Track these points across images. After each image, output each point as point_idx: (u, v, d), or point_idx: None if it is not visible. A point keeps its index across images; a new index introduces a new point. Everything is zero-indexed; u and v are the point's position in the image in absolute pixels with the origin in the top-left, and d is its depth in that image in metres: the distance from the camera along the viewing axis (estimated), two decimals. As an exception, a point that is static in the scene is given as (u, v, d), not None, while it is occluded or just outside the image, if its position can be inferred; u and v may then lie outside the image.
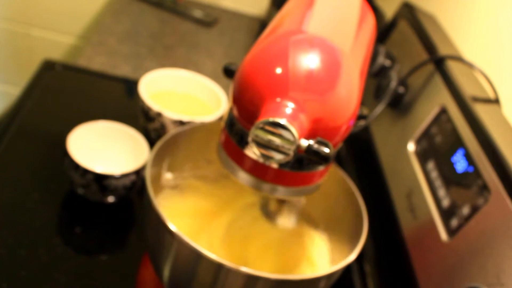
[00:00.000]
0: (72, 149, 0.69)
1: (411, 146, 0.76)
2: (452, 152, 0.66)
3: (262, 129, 0.39)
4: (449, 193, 0.63)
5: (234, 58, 1.22)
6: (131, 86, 0.97)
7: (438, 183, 0.66)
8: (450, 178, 0.64)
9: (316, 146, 0.40)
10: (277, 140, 0.39)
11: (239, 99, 0.44)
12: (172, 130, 0.72)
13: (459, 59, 0.77)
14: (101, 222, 0.72)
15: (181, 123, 0.77)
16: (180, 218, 0.59)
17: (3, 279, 0.60)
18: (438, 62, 0.77)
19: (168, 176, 0.63)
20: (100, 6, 1.40)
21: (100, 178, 0.67)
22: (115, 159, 0.75)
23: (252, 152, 0.44)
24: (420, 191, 0.69)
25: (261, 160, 0.44)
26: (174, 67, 1.04)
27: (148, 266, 0.63)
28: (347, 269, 0.67)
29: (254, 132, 0.40)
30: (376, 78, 0.89)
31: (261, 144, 0.40)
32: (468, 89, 0.70)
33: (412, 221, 0.69)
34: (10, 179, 0.73)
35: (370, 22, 0.57)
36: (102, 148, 0.75)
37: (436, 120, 0.72)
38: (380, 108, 0.83)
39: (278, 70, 0.42)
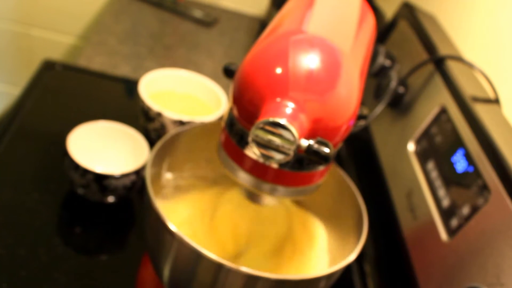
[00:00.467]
0: (72, 149, 0.69)
1: (411, 146, 0.76)
2: (452, 152, 0.66)
3: (262, 129, 0.39)
4: (449, 193, 0.63)
5: (234, 58, 1.22)
6: (131, 86, 0.97)
7: (438, 183, 0.66)
8: (450, 178, 0.64)
9: (316, 146, 0.40)
10: (277, 140, 0.39)
11: (239, 99, 0.44)
12: (172, 130, 0.72)
13: (459, 59, 0.77)
14: (101, 222, 0.72)
15: (181, 123, 0.77)
16: (180, 218, 0.59)
17: (3, 279, 0.60)
18: (438, 62, 0.77)
19: (168, 176, 0.63)
20: (100, 6, 1.40)
21: (100, 178, 0.67)
22: (115, 159, 0.75)
23: (252, 152, 0.44)
24: (420, 191, 0.69)
25: (261, 160, 0.44)
26: (174, 67, 1.04)
27: (148, 266, 0.63)
28: (347, 269, 0.67)
29: (254, 132, 0.40)
30: (376, 78, 0.89)
31: (261, 144, 0.40)
32: (468, 89, 0.70)
33: (412, 221, 0.69)
34: (10, 179, 0.73)
35: (370, 22, 0.57)
36: (102, 148, 0.75)
37: (436, 120, 0.72)
38: (380, 108, 0.83)
39: (278, 70, 0.42)
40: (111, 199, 0.71)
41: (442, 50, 0.79)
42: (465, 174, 0.62)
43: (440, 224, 0.63)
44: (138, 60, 1.10)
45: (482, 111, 0.65)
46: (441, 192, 0.65)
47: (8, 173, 0.74)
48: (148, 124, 0.79)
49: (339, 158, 0.96)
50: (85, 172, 0.67)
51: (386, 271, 0.76)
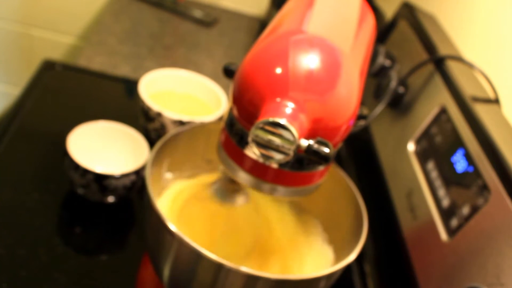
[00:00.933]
0: (72, 149, 0.69)
1: (411, 146, 0.76)
2: (452, 152, 0.66)
3: (262, 129, 0.39)
4: (449, 193, 0.63)
5: (234, 58, 1.22)
6: (131, 86, 0.97)
7: (438, 183, 0.66)
8: (450, 178, 0.64)
9: (316, 146, 0.40)
10: (277, 140, 0.39)
11: (239, 99, 0.44)
12: (172, 130, 0.72)
13: (459, 59, 0.77)
14: (101, 222, 0.72)
15: (181, 123, 0.77)
16: (180, 218, 0.59)
17: (3, 279, 0.60)
18: (438, 62, 0.77)
19: (168, 176, 0.63)
20: (100, 6, 1.40)
21: (100, 178, 0.67)
22: (115, 159, 0.75)
23: (252, 152, 0.44)
24: (420, 191, 0.69)
25: (261, 160, 0.44)
26: (174, 67, 1.04)
27: (148, 266, 0.63)
28: (347, 269, 0.67)
29: (254, 132, 0.40)
30: (376, 78, 0.89)
31: (261, 144, 0.40)
32: (468, 89, 0.70)
33: (412, 221, 0.69)
34: (10, 179, 0.73)
35: (370, 22, 0.57)
36: (102, 148, 0.75)
37: (436, 120, 0.72)
38: (380, 108, 0.83)
39: (278, 70, 0.42)
40: (111, 199, 0.71)
41: (442, 50, 0.79)
42: (465, 174, 0.62)
43: (440, 224, 0.63)
44: (138, 60, 1.10)
45: (482, 111, 0.65)
46: (441, 192, 0.65)
47: (8, 173, 0.74)
48: (148, 124, 0.79)
49: (339, 158, 0.96)
50: (85, 172, 0.67)
51: (386, 271, 0.76)
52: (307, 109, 0.41)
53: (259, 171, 0.45)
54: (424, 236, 0.65)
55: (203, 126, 0.63)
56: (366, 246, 0.77)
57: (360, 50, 0.51)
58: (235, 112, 0.45)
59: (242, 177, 0.46)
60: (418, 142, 0.75)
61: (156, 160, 0.57)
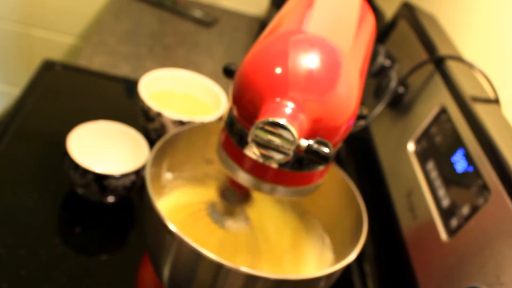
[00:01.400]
0: (72, 149, 0.69)
1: (411, 146, 0.76)
2: (452, 152, 0.66)
3: (262, 129, 0.39)
4: (449, 193, 0.63)
5: (234, 58, 1.22)
6: (131, 86, 0.97)
7: (438, 183, 0.66)
8: (450, 178, 0.64)
9: (315, 146, 0.40)
10: (277, 140, 0.39)
11: (239, 99, 0.44)
12: (172, 130, 0.72)
13: (459, 59, 0.77)
14: (101, 222, 0.72)
15: (181, 123, 0.77)
16: (180, 218, 0.59)
17: (3, 279, 0.60)
18: (438, 62, 0.77)
19: (168, 176, 0.63)
20: (100, 6, 1.40)
21: (100, 178, 0.67)
22: (115, 159, 0.75)
23: (252, 152, 0.44)
24: (420, 191, 0.69)
25: (261, 160, 0.44)
26: (174, 67, 1.04)
27: (148, 266, 0.63)
28: (347, 269, 0.67)
29: (254, 132, 0.40)
30: (376, 78, 0.89)
31: (261, 144, 0.40)
32: (468, 89, 0.70)
33: (412, 221, 0.69)
34: (10, 179, 0.73)
35: (370, 22, 0.57)
36: (102, 148, 0.75)
37: (436, 120, 0.72)
38: (380, 108, 0.83)
39: (278, 70, 0.42)
40: (111, 199, 0.71)
41: (442, 50, 0.79)
42: (465, 174, 0.62)
43: (440, 224, 0.63)
44: (138, 60, 1.10)
45: (482, 111, 0.65)
46: (441, 192, 0.65)
47: (8, 173, 0.74)
48: (148, 124, 0.79)
49: (339, 158, 0.96)
50: (85, 172, 0.67)
51: (386, 271, 0.76)
52: (307, 109, 0.41)
53: (259, 171, 0.45)
54: (424, 236, 0.65)
55: (203, 126, 0.63)
56: (366, 246, 0.77)
57: (360, 50, 0.51)
58: (235, 112, 0.45)
59: (242, 177, 0.46)
60: (418, 142, 0.75)
61: (156, 160, 0.57)
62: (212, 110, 0.85)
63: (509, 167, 0.55)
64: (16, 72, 1.51)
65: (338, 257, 0.60)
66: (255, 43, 0.47)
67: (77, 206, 0.72)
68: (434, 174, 0.68)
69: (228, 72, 0.50)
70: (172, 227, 0.47)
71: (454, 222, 0.60)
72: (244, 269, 0.46)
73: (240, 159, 0.46)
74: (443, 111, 0.71)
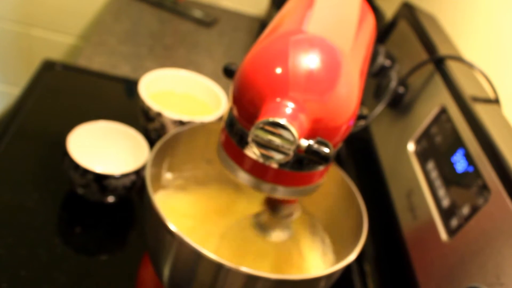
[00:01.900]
0: (72, 149, 0.69)
1: (411, 146, 0.76)
2: (452, 152, 0.66)
3: (262, 129, 0.39)
4: (449, 193, 0.63)
5: (234, 58, 1.22)
6: (131, 86, 0.97)
7: (438, 183, 0.66)
8: (450, 178, 0.64)
9: (316, 146, 0.40)
10: (277, 140, 0.39)
11: (239, 99, 0.44)
12: (172, 130, 0.72)
13: (459, 59, 0.77)
14: (101, 222, 0.72)
15: (181, 123, 0.77)
16: (180, 218, 0.59)
17: (3, 279, 0.60)
18: (438, 62, 0.77)
19: (168, 176, 0.63)
20: (100, 6, 1.40)
21: (100, 178, 0.67)
22: (115, 159, 0.75)
23: (252, 152, 0.44)
24: (420, 191, 0.69)
25: (261, 160, 0.44)
26: (174, 67, 1.04)
27: (148, 266, 0.64)
28: (347, 269, 0.67)
29: (254, 132, 0.40)
30: (376, 78, 0.89)
31: (261, 144, 0.40)
32: (468, 89, 0.70)
33: (412, 221, 0.69)
34: (10, 179, 0.73)
35: (370, 22, 0.57)
36: (102, 148, 0.75)
37: (436, 120, 0.72)
38: (380, 108, 0.83)
39: (278, 70, 0.42)
40: (111, 199, 0.71)
41: (442, 50, 0.79)
42: (465, 174, 0.62)
43: (440, 224, 0.63)
44: (138, 60, 1.10)
45: (482, 111, 0.65)
46: (441, 192, 0.65)
47: (8, 173, 0.74)
48: (148, 124, 0.79)
49: (339, 158, 0.96)
50: (85, 172, 0.67)
51: (386, 271, 0.76)
52: (307, 109, 0.41)
53: (259, 171, 0.45)
54: (424, 236, 0.65)
55: (203, 126, 0.63)
56: (366, 246, 0.77)
57: (360, 50, 0.51)
58: (235, 112, 0.45)
59: (242, 177, 0.46)
60: (418, 142, 0.75)
61: (156, 160, 0.57)
62: (212, 110, 0.85)
63: (509, 167, 0.55)
64: (16, 72, 1.51)
65: (338, 257, 0.60)
66: (255, 43, 0.47)
67: (77, 206, 0.72)
68: (434, 174, 0.68)
69: (228, 72, 0.50)
70: (172, 227, 0.47)
71: (454, 222, 0.60)
72: (244, 269, 0.46)
73: (240, 159, 0.46)
74: (443, 111, 0.71)
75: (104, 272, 0.66)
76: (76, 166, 0.67)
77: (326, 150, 0.40)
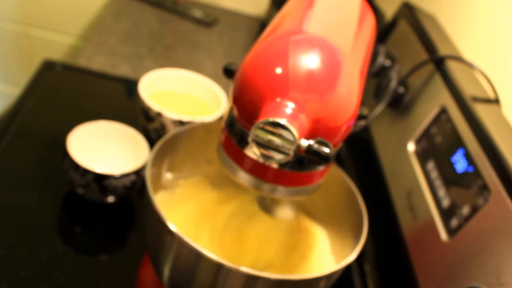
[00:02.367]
0: (72, 149, 0.69)
1: (411, 146, 0.76)
2: (452, 152, 0.66)
3: (262, 129, 0.39)
4: (449, 193, 0.63)
5: (234, 58, 1.22)
6: (131, 86, 0.97)
7: (438, 183, 0.66)
8: (450, 178, 0.64)
9: (316, 146, 0.40)
10: (277, 140, 0.39)
11: (239, 99, 0.44)
12: (172, 130, 0.72)
13: (459, 59, 0.77)
14: (101, 222, 0.72)
15: (181, 123, 0.77)
16: (180, 218, 0.59)
17: (3, 279, 0.60)
18: (438, 62, 0.77)
19: (168, 176, 0.63)
20: (100, 6, 1.40)
21: (100, 178, 0.67)
22: (115, 159, 0.75)
23: (252, 152, 0.44)
24: (420, 191, 0.69)
25: (261, 160, 0.44)
26: (174, 67, 1.04)
27: (148, 266, 0.63)
28: (347, 269, 0.67)
29: (254, 132, 0.40)
30: (376, 78, 0.89)
31: (261, 144, 0.40)
32: (468, 89, 0.70)
33: (412, 221, 0.69)
34: (10, 179, 0.73)
35: (370, 22, 0.57)
36: (102, 148, 0.75)
37: (436, 120, 0.72)
38: (380, 108, 0.83)
39: (278, 70, 0.42)
40: (111, 199, 0.71)
41: (442, 50, 0.79)
42: (465, 174, 0.62)
43: (440, 224, 0.63)
44: (138, 60, 1.10)
45: (482, 111, 0.65)
46: (441, 192, 0.65)
47: (8, 173, 0.74)
48: (148, 124, 0.79)
49: (339, 158, 0.96)
50: (85, 172, 0.67)
51: (386, 271, 0.76)
52: (307, 109, 0.41)
53: (259, 171, 0.45)
54: (424, 236, 0.65)
55: (203, 126, 0.63)
56: (366, 246, 0.77)
57: (360, 50, 0.51)
58: (235, 112, 0.45)
59: (242, 177, 0.46)
60: (418, 142, 0.75)
61: (156, 160, 0.57)
62: (212, 110, 0.85)
63: (509, 167, 0.55)
64: (16, 72, 1.51)
65: (338, 257, 0.60)
66: (255, 43, 0.47)
67: (77, 206, 0.72)
68: (434, 174, 0.68)
69: (228, 72, 0.50)
70: (172, 227, 0.47)
71: (454, 222, 0.60)
72: (244, 269, 0.46)
73: (240, 159, 0.46)
74: (443, 111, 0.71)
75: (104, 272, 0.66)
76: (76, 166, 0.67)
77: (326, 150, 0.40)
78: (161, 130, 0.78)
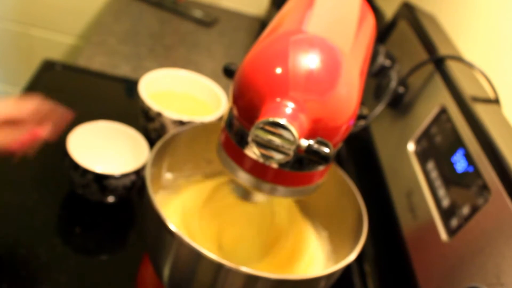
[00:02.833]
0: (72, 149, 0.69)
1: (411, 146, 0.76)
2: (452, 152, 0.66)
3: (262, 129, 0.39)
4: (449, 193, 0.63)
5: (234, 58, 1.22)
6: (131, 86, 0.97)
7: (438, 183, 0.66)
8: (450, 178, 0.64)
9: (316, 146, 0.40)
10: (277, 140, 0.39)
11: (239, 99, 0.44)
12: (172, 130, 0.72)
13: (459, 59, 0.77)
14: (101, 222, 0.72)
15: (181, 123, 0.77)
16: (180, 218, 0.59)
17: (3, 279, 0.60)
18: (438, 62, 0.77)
19: (168, 176, 0.63)
20: (100, 6, 1.40)
21: (100, 178, 0.67)
22: (115, 159, 0.75)
23: (252, 152, 0.44)
24: (420, 191, 0.69)
25: (261, 160, 0.44)
26: (174, 67, 1.04)
27: (148, 266, 0.63)
28: (347, 269, 0.67)
29: (254, 132, 0.40)
30: (376, 78, 0.89)
31: (261, 144, 0.40)
32: (468, 89, 0.70)
33: (412, 221, 0.69)
34: (10, 179, 0.73)
35: (370, 22, 0.57)
36: (102, 148, 0.75)
37: (436, 120, 0.72)
38: (380, 108, 0.83)
39: (278, 70, 0.42)
40: (111, 199, 0.71)
41: (442, 50, 0.79)
42: (465, 174, 0.62)
43: (440, 224, 0.63)
44: (138, 60, 1.10)
45: (482, 111, 0.65)
46: (441, 192, 0.65)
47: (8, 173, 0.74)
48: (148, 124, 0.79)
49: (339, 158, 0.96)
50: (85, 172, 0.66)
51: (386, 271, 0.76)
52: (307, 109, 0.41)
53: (259, 171, 0.45)
54: (424, 236, 0.65)
55: (203, 126, 0.63)
56: (366, 246, 0.76)
57: (360, 50, 0.51)
58: (235, 112, 0.45)
59: (242, 177, 0.46)
60: (418, 142, 0.75)
61: (156, 160, 0.57)
62: (212, 110, 0.85)
63: (509, 167, 0.55)
64: (16, 72, 1.51)
65: (338, 257, 0.60)
66: (255, 43, 0.47)
67: (77, 206, 0.72)
68: (434, 174, 0.68)
69: (228, 72, 0.50)
70: (172, 227, 0.47)
71: (454, 222, 0.60)
72: (244, 269, 0.46)
73: (240, 159, 0.46)
74: (443, 111, 0.71)
75: (104, 272, 0.66)
76: (76, 166, 0.67)
77: (326, 150, 0.40)
78: (161, 130, 0.78)
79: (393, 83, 0.83)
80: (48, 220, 0.69)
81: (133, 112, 0.85)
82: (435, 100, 0.74)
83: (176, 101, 0.85)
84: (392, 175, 0.79)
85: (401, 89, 0.83)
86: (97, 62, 1.05)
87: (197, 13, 1.33)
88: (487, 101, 0.70)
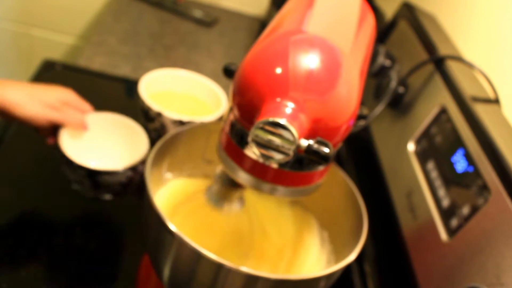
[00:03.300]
0: (69, 143, 0.68)
1: (411, 146, 0.76)
2: (452, 152, 0.66)
3: (262, 129, 0.39)
4: (449, 193, 0.63)
5: (234, 58, 1.22)
6: (131, 86, 0.97)
7: (438, 183, 0.66)
8: (450, 178, 0.64)
9: (316, 146, 0.40)
10: (277, 140, 0.39)
11: (239, 99, 0.44)
12: (172, 130, 0.72)
13: (459, 59, 0.77)
14: (101, 222, 0.71)
15: (181, 123, 0.77)
16: (180, 218, 0.59)
17: (3, 279, 0.60)
18: (438, 62, 0.77)
19: (168, 176, 0.63)
20: (100, 6, 1.40)
21: (93, 174, 0.66)
22: (115, 152, 0.74)
23: (252, 152, 0.44)
24: (420, 191, 0.69)
25: (261, 160, 0.44)
26: (174, 67, 1.04)
27: (148, 266, 0.63)
28: (347, 269, 0.67)
29: (254, 132, 0.40)
30: (376, 78, 0.89)
31: (261, 144, 0.40)
32: (468, 89, 0.70)
33: (412, 221, 0.69)
34: (10, 178, 0.73)
35: (370, 22, 0.57)
36: (101, 141, 0.74)
37: (436, 120, 0.72)
38: (380, 108, 0.83)
39: (278, 70, 0.42)
40: (107, 196, 0.70)
41: (442, 50, 0.79)
42: (465, 174, 0.62)
43: (440, 224, 0.63)
44: (138, 60, 1.10)
45: (482, 111, 0.65)
46: (441, 192, 0.65)
47: (8, 173, 0.74)
48: (148, 124, 0.79)
49: (339, 158, 0.96)
50: (77, 167, 0.66)
51: (386, 271, 0.76)
52: (307, 109, 0.41)
53: (259, 171, 0.45)
54: (424, 236, 0.65)
55: (203, 126, 0.63)
56: (366, 246, 0.77)
57: (360, 50, 0.51)
58: (235, 112, 0.45)
59: (242, 177, 0.46)
60: (418, 142, 0.75)
61: (156, 160, 0.57)
62: (212, 110, 0.85)
63: (509, 167, 0.55)
64: (16, 72, 1.51)
65: (338, 257, 0.60)
66: (255, 43, 0.47)
67: (77, 206, 0.72)
68: (434, 174, 0.68)
69: (228, 72, 0.50)
70: (172, 227, 0.47)
71: (454, 222, 0.60)
72: (244, 269, 0.46)
73: (240, 159, 0.46)
74: (443, 111, 0.71)
75: (104, 272, 0.66)
76: (68, 161, 0.66)
77: (326, 150, 0.40)
78: (161, 130, 0.78)
79: (393, 83, 0.83)
80: (48, 220, 0.69)
81: (133, 112, 0.85)
82: (435, 100, 0.74)
83: (176, 101, 0.85)
84: (392, 175, 0.79)
85: (401, 89, 0.83)
86: (97, 62, 1.05)
87: (197, 13, 1.33)
88: (487, 101, 0.70)
